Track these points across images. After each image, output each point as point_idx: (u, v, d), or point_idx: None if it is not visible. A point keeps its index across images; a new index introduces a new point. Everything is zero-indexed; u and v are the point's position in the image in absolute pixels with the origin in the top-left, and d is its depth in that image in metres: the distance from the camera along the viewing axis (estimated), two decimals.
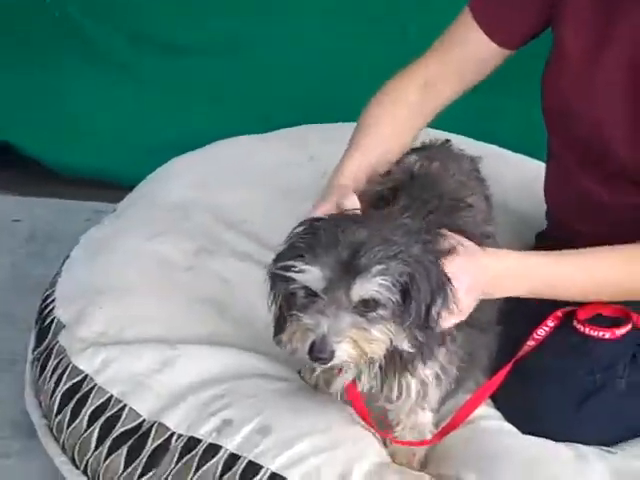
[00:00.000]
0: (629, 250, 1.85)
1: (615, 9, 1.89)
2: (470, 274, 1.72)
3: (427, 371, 1.77)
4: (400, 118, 2.05)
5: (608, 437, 1.92)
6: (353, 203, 1.77)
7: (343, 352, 1.57)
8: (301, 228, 1.66)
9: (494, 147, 2.86)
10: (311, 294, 1.59)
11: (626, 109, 1.91)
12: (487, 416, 1.96)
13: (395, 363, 1.71)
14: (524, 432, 1.92)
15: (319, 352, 1.56)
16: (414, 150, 2.10)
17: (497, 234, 2.08)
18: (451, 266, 1.67)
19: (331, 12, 3.35)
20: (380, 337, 1.60)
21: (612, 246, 1.85)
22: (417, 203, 1.80)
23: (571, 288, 1.86)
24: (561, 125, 2.07)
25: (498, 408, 1.99)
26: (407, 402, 1.83)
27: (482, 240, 1.86)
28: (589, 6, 1.92)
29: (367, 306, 1.58)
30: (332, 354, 1.56)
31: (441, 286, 1.63)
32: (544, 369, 1.91)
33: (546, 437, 1.89)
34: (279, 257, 1.65)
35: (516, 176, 2.68)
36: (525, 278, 1.82)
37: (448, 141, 2.22)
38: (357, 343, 1.58)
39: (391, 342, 1.63)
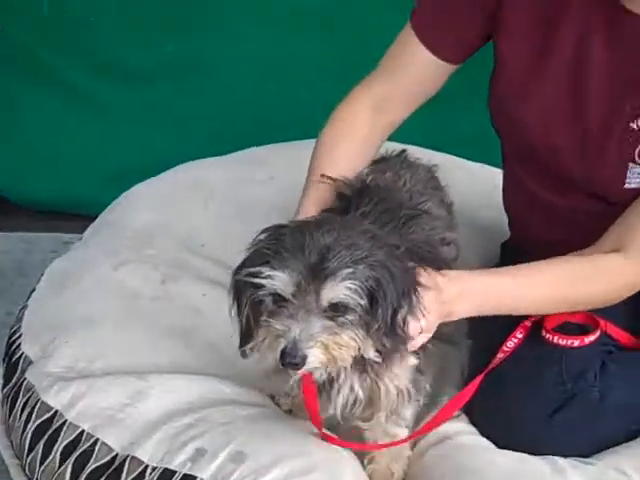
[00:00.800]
0: (574, 265, 1.87)
1: (553, 18, 1.90)
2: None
3: (396, 382, 1.76)
4: (356, 141, 2.07)
5: (584, 448, 1.91)
6: None
7: (315, 357, 1.56)
8: (265, 234, 1.65)
9: (452, 157, 2.86)
10: (280, 300, 1.58)
11: (568, 118, 1.93)
12: (463, 432, 1.95)
13: (362, 374, 1.70)
14: (500, 446, 1.91)
15: (291, 357, 1.54)
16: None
17: (462, 245, 2.08)
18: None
19: (288, 32, 3.37)
20: (350, 343, 1.59)
21: (561, 259, 1.87)
22: (374, 214, 1.80)
23: (528, 307, 1.88)
24: (509, 136, 2.09)
25: (473, 423, 1.98)
26: (381, 419, 1.83)
27: (442, 246, 1.89)
28: (527, 17, 1.93)
29: (336, 310, 1.57)
30: (304, 359, 1.55)
31: (407, 292, 1.63)
32: (516, 381, 1.90)
33: (522, 450, 1.88)
34: (244, 264, 1.63)
35: (477, 184, 2.69)
36: (479, 298, 1.81)
37: (404, 151, 2.21)
38: (327, 348, 1.57)
39: (358, 350, 1.62)
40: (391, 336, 1.62)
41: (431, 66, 2.05)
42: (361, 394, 1.75)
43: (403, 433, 1.89)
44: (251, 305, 1.64)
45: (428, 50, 2.04)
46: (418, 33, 2.04)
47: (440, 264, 1.83)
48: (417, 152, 2.29)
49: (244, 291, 1.64)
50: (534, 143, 1.99)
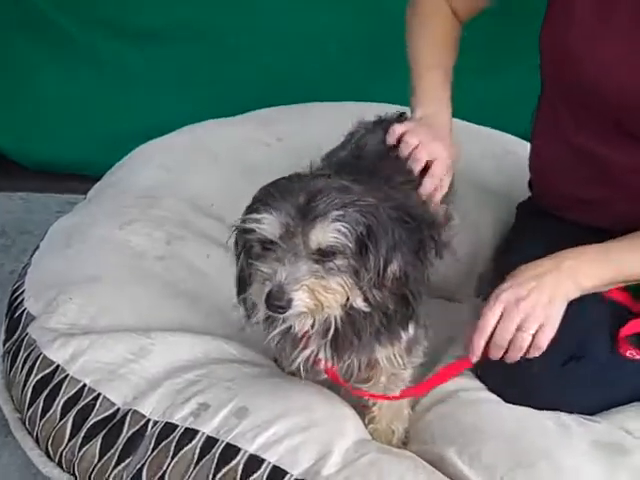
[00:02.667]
0: None
1: None
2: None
3: (398, 342, 1.75)
4: (452, 28, 2.16)
5: (592, 403, 1.90)
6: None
7: (300, 301, 1.54)
8: (262, 189, 1.64)
9: (463, 122, 2.82)
10: (269, 244, 1.56)
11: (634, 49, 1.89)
12: (467, 388, 1.94)
13: (354, 330, 1.68)
14: (507, 400, 1.90)
15: (276, 300, 1.53)
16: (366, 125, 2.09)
17: (474, 209, 2.07)
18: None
19: None
20: (336, 288, 1.57)
21: None
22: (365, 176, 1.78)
23: None
24: (562, 75, 2.05)
25: (480, 376, 1.97)
26: (381, 381, 1.83)
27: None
28: None
29: (324, 255, 1.55)
30: (289, 302, 1.53)
31: (399, 243, 1.60)
32: None
33: (529, 404, 1.87)
34: (243, 214, 1.62)
35: (487, 150, 2.67)
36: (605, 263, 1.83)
37: (402, 114, 2.18)
38: (314, 293, 1.55)
39: (347, 299, 1.60)
40: (381, 288, 1.61)
41: None
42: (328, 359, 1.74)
43: None
44: (245, 253, 1.63)
45: None
46: None
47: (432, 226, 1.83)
48: None
49: (239, 239, 1.64)
50: (592, 80, 1.95)
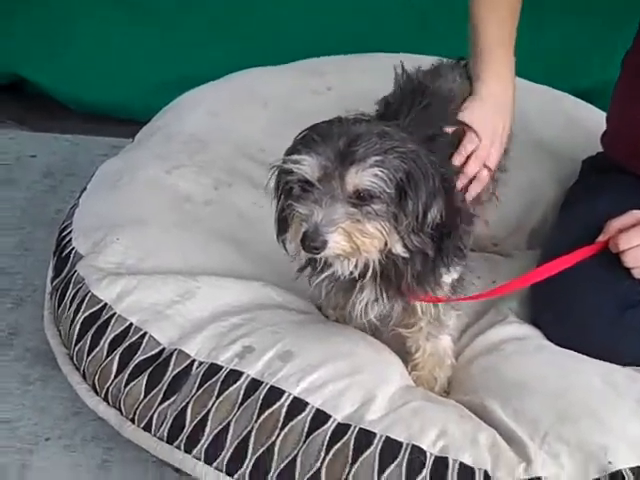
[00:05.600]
0: None
1: None
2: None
3: (445, 278, 1.76)
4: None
5: None
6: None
7: (335, 243, 1.55)
8: (303, 131, 1.65)
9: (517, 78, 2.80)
10: (307, 186, 1.57)
11: None
12: (513, 338, 1.95)
13: (397, 273, 1.69)
14: (559, 343, 1.90)
15: (311, 240, 1.54)
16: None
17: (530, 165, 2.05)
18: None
19: None
20: (373, 232, 1.58)
21: None
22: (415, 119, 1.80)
23: None
24: None
25: (534, 316, 1.98)
26: (424, 326, 1.84)
27: None
28: None
29: (362, 199, 1.56)
30: (324, 243, 1.54)
31: (439, 190, 1.61)
32: (591, 276, 1.88)
33: (583, 349, 1.87)
34: (284, 155, 1.64)
35: (543, 106, 2.64)
36: None
37: (462, 59, 2.16)
38: (350, 236, 1.56)
39: (385, 244, 1.61)
40: (420, 235, 1.62)
41: None
42: (385, 300, 1.74)
43: (447, 341, 1.90)
44: (285, 194, 1.64)
45: None
46: None
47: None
48: None
49: (280, 180, 1.65)
50: None
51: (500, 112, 1.99)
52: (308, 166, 1.56)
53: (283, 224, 1.67)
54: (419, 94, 1.89)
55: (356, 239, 1.57)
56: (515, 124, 2.09)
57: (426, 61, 2.15)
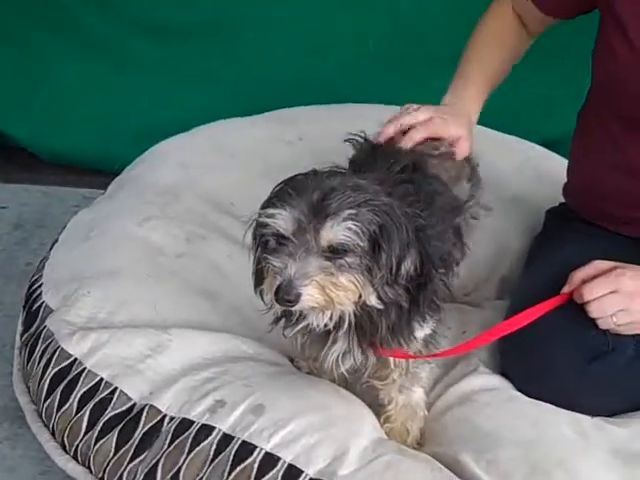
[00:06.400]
0: None
1: None
2: None
3: (419, 333, 1.76)
4: (509, 38, 2.23)
5: (615, 404, 1.92)
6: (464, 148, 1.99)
7: (309, 296, 1.56)
8: (280, 184, 1.66)
9: (485, 129, 2.82)
10: (282, 239, 1.58)
11: None
12: (485, 389, 1.95)
13: (371, 325, 1.69)
14: (529, 394, 1.91)
15: (285, 293, 1.55)
16: None
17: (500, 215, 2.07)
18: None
19: None
20: (347, 285, 1.59)
21: None
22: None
23: None
24: (611, 99, 2.08)
25: (503, 368, 1.99)
26: (396, 379, 1.84)
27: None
28: None
29: (335, 252, 1.57)
30: (298, 296, 1.55)
31: (413, 242, 1.62)
32: (556, 327, 1.89)
33: (551, 400, 1.88)
34: (260, 208, 1.65)
35: (510, 157, 2.67)
36: None
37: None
38: (324, 289, 1.57)
39: (360, 296, 1.62)
40: (394, 286, 1.62)
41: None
42: (357, 353, 1.75)
43: (420, 393, 1.89)
44: (261, 247, 1.65)
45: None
46: None
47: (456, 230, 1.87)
48: None
49: (256, 233, 1.66)
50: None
51: (455, 119, 2.04)
52: (282, 220, 1.57)
53: (259, 276, 1.68)
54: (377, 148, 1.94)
55: (330, 292, 1.58)
56: (484, 171, 2.13)
57: (394, 111, 2.17)
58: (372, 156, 1.92)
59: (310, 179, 1.62)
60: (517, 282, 2.26)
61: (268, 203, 1.62)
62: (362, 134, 2.06)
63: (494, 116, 2.67)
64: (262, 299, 1.70)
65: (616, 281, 1.84)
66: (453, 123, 2.02)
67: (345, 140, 2.06)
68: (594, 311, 1.84)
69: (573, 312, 1.87)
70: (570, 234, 2.19)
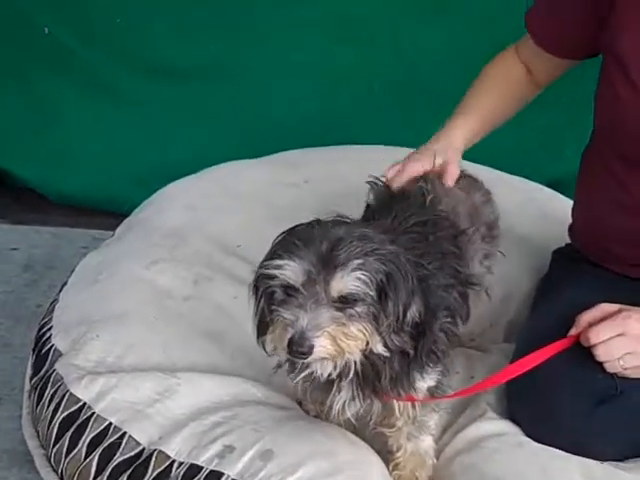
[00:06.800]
0: None
1: None
2: None
3: (419, 384, 1.76)
4: (510, 83, 2.25)
5: (623, 449, 1.91)
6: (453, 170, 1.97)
7: (322, 347, 1.56)
8: (281, 235, 1.67)
9: (490, 169, 2.84)
10: (290, 291, 1.58)
11: None
12: (493, 436, 1.94)
13: (374, 373, 1.70)
14: (537, 439, 1.90)
15: (298, 346, 1.55)
16: None
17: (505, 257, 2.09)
18: None
19: (325, 36, 3.37)
20: (357, 334, 1.60)
21: None
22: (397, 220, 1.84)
23: None
24: (613, 139, 2.09)
25: (511, 412, 1.98)
26: (403, 427, 1.84)
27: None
28: None
29: (345, 302, 1.57)
30: (311, 348, 1.55)
31: (417, 289, 1.63)
32: (563, 371, 1.89)
33: (559, 445, 1.87)
34: (263, 260, 1.65)
35: (511, 196, 2.68)
36: None
37: None
38: (335, 339, 1.57)
39: (367, 344, 1.62)
40: (400, 334, 1.63)
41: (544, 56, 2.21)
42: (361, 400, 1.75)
43: (428, 440, 1.89)
44: (266, 298, 1.65)
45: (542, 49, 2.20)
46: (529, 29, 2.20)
47: (469, 280, 1.87)
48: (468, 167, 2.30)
49: (260, 284, 1.65)
50: None
51: (438, 146, 2.07)
52: (291, 271, 1.57)
53: (263, 327, 1.68)
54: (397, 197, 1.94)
55: (341, 342, 1.58)
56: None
57: (403, 154, 2.19)
58: (388, 204, 1.92)
59: (315, 229, 1.62)
60: (523, 324, 2.26)
61: (273, 255, 1.62)
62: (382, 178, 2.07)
63: (500, 157, 2.71)
64: (264, 349, 1.71)
65: (623, 324, 1.84)
66: (437, 153, 2.04)
67: (366, 182, 2.08)
68: (601, 355, 1.84)
69: (580, 355, 1.87)
70: (576, 276, 2.19)
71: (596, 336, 1.84)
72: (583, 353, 1.87)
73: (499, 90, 2.23)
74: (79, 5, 3.41)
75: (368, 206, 2.02)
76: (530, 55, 2.24)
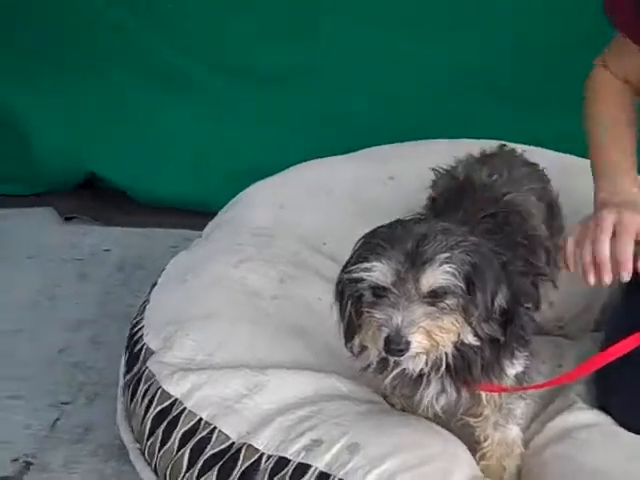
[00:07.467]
0: None
1: None
2: None
3: (510, 370, 1.76)
4: (626, 106, 2.12)
5: None
6: None
7: (418, 343, 1.59)
8: (363, 237, 1.69)
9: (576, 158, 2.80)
10: (379, 292, 1.61)
11: None
12: (585, 425, 1.92)
13: (464, 365, 1.71)
14: (630, 428, 1.88)
15: (395, 344, 1.57)
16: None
17: None
18: None
19: (409, 30, 3.37)
20: (450, 327, 1.62)
21: None
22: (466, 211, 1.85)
23: None
24: None
25: (601, 402, 1.95)
26: (490, 415, 1.84)
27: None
28: None
29: (435, 296, 1.60)
30: (408, 345, 1.58)
31: (502, 277, 1.64)
32: None
33: None
34: (346, 266, 1.68)
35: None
36: None
37: (504, 146, 2.23)
38: (429, 334, 1.60)
39: (458, 335, 1.64)
40: (489, 322, 1.64)
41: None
42: (452, 392, 1.76)
43: (516, 430, 1.89)
44: (353, 302, 1.67)
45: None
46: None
47: (536, 270, 1.86)
48: (536, 154, 2.28)
49: (346, 289, 1.68)
50: None
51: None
52: (380, 272, 1.60)
53: (351, 331, 1.71)
54: (465, 189, 1.96)
55: (435, 336, 1.61)
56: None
57: (480, 146, 2.19)
58: (458, 198, 1.94)
59: (398, 229, 1.65)
60: (613, 309, 2.19)
61: (359, 258, 1.64)
62: (449, 169, 2.09)
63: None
64: (352, 352, 1.74)
65: None
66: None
67: (432, 169, 2.10)
68: None
69: None
70: None
71: None
72: None
73: (629, 125, 2.11)
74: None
75: (433, 200, 2.04)
76: (624, 63, 2.13)
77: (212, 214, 2.80)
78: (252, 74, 3.51)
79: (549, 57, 3.28)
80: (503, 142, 2.34)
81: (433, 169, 2.12)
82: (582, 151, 2.37)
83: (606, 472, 1.79)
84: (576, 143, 2.27)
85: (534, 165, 2.21)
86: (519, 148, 2.31)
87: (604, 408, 1.96)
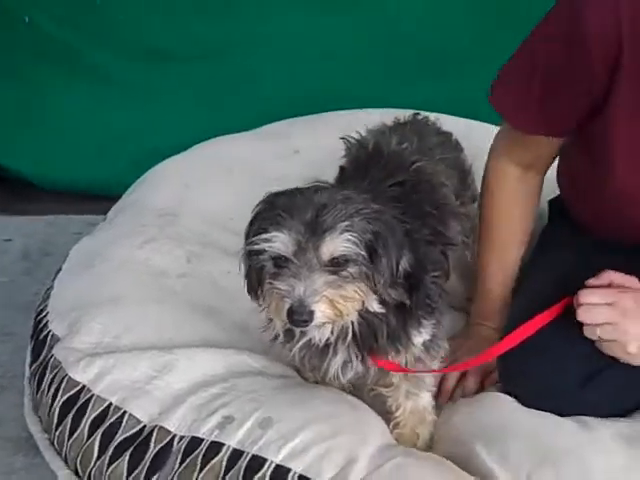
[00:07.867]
0: None
1: None
2: None
3: (416, 339, 1.76)
4: (519, 208, 2.11)
5: (617, 409, 1.89)
6: None
7: (321, 312, 1.57)
8: (261, 205, 1.67)
9: (477, 122, 2.82)
10: (280, 262, 1.59)
11: None
12: (496, 393, 1.96)
13: (370, 333, 1.71)
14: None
15: (299, 315, 1.56)
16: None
17: None
18: None
19: (313, 10, 3.36)
20: (354, 295, 1.60)
21: None
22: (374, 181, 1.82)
23: None
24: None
25: (505, 389, 1.96)
26: (401, 385, 1.85)
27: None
28: None
29: (337, 265, 1.58)
30: (311, 315, 1.56)
31: (405, 243, 1.64)
32: (555, 339, 1.86)
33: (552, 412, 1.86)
34: (247, 237, 1.65)
35: None
36: None
37: (417, 114, 2.24)
38: (333, 302, 1.58)
39: (363, 303, 1.63)
40: (394, 287, 1.64)
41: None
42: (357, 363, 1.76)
43: (427, 397, 1.90)
44: (257, 273, 1.65)
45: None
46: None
47: (445, 239, 1.86)
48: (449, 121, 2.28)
49: (249, 261, 1.66)
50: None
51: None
52: (281, 242, 1.58)
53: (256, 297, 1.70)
54: (373, 158, 1.93)
55: (339, 305, 1.59)
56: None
57: (387, 116, 2.18)
58: (366, 166, 1.91)
59: (297, 197, 1.62)
60: (520, 287, 2.18)
61: (259, 229, 1.62)
62: (359, 139, 2.07)
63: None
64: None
65: (616, 295, 1.80)
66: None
67: (341, 138, 2.08)
68: (582, 314, 1.80)
69: (571, 326, 1.84)
70: (565, 240, 2.15)
71: (585, 297, 1.81)
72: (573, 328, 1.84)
73: (519, 231, 2.14)
74: None
75: (342, 169, 2.02)
76: (530, 150, 2.06)
77: (118, 198, 2.76)
78: (155, 55, 3.46)
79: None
80: (417, 111, 2.33)
81: (342, 138, 2.10)
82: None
83: (507, 427, 1.82)
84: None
85: (447, 134, 2.22)
86: (432, 116, 2.30)
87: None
